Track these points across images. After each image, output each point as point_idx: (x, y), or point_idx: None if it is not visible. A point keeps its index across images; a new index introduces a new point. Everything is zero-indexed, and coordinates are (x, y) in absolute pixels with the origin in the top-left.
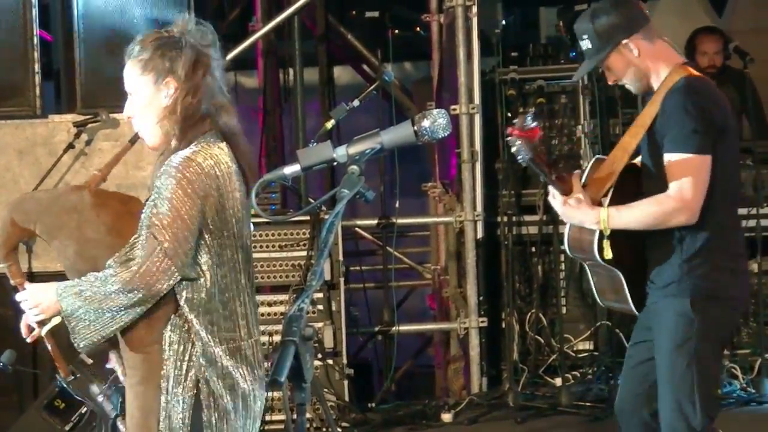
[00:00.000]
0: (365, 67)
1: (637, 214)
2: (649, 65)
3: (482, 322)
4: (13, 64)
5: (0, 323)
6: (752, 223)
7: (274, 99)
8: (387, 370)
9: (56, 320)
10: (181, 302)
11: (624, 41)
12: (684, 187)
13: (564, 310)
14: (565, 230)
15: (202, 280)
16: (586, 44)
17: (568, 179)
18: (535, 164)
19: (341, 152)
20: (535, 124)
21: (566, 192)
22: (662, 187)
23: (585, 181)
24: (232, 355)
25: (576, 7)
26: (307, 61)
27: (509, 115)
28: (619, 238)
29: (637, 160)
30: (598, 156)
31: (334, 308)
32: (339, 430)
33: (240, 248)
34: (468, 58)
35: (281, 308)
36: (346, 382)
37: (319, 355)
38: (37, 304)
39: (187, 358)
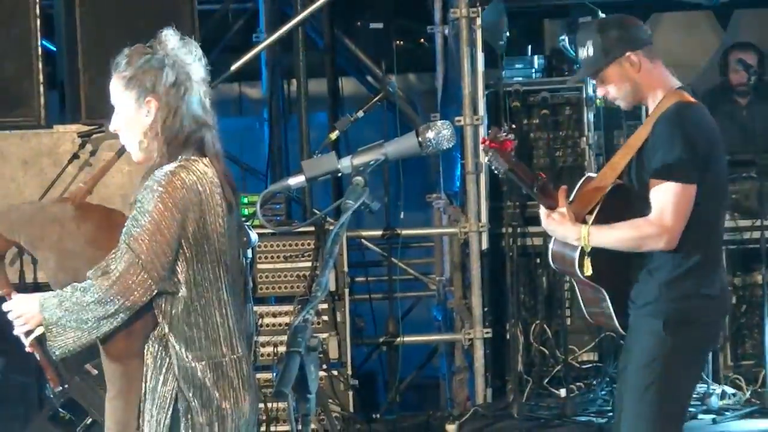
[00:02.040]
0: (370, 78)
1: (617, 235)
2: (646, 83)
3: (487, 333)
4: (18, 74)
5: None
6: (756, 234)
7: (279, 110)
8: (392, 380)
9: (40, 330)
10: (159, 317)
11: (627, 53)
12: (665, 214)
13: (569, 321)
14: (549, 244)
15: (180, 294)
16: (587, 52)
17: (553, 194)
18: (513, 175)
19: (346, 163)
20: (510, 136)
21: (550, 206)
22: (647, 208)
23: (573, 197)
24: (212, 371)
25: (580, 20)
26: (311, 73)
27: (514, 126)
28: (604, 257)
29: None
30: (588, 174)
31: (339, 319)
32: None
33: (223, 263)
34: (472, 70)
35: (286, 319)
36: (350, 393)
37: (324, 366)
38: (21, 315)
39: (163, 373)
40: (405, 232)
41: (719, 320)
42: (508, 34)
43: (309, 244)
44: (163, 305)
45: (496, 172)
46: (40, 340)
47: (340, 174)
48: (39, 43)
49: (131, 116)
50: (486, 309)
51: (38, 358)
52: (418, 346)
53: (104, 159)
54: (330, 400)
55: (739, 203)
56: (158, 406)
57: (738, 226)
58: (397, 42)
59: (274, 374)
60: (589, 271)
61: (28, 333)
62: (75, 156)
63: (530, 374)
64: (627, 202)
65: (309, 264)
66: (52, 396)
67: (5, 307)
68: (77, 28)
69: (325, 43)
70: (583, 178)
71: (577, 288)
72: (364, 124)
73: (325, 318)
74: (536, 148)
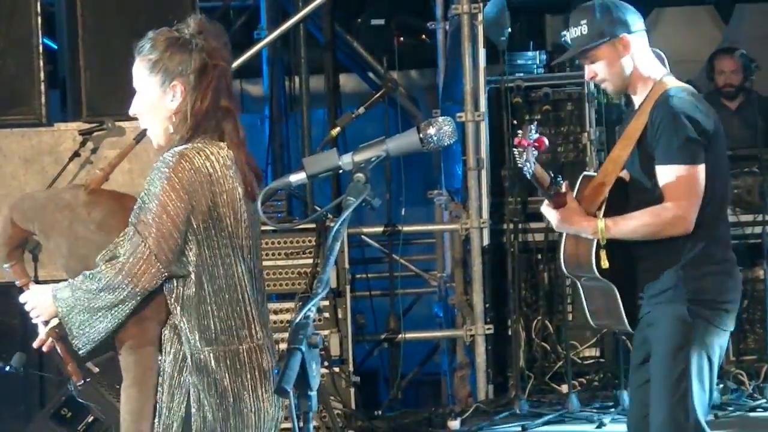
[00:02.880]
0: (371, 74)
1: (634, 225)
2: (636, 69)
3: (488, 329)
4: (19, 72)
5: (6, 332)
6: (758, 229)
7: (280, 107)
8: (393, 377)
9: (55, 321)
10: (171, 303)
11: (622, 35)
12: (680, 199)
13: (570, 317)
14: (561, 246)
15: (191, 278)
16: (579, 30)
17: (563, 195)
18: (534, 178)
19: (347, 160)
20: (539, 135)
21: (561, 205)
22: (653, 198)
23: (576, 197)
24: (229, 361)
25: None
26: (312, 69)
27: (515, 122)
28: (617, 254)
29: (624, 173)
30: (585, 173)
31: (340, 316)
32: None
33: (238, 248)
34: (474, 66)
35: (287, 316)
36: (352, 390)
37: (326, 363)
38: (35, 306)
39: (177, 363)
40: (406, 228)
41: (737, 299)
42: (509, 29)
43: (310, 241)
44: (174, 290)
45: (525, 172)
46: (62, 335)
47: (341, 171)
48: (40, 41)
49: (155, 101)
50: (487, 305)
51: (59, 352)
52: (420, 342)
53: (105, 157)
54: (331, 397)
55: (741, 198)
56: (171, 396)
57: (740, 221)
58: (399, 38)
59: (276, 371)
60: (606, 263)
61: (45, 323)
62: (76, 154)
63: (532, 370)
64: (631, 194)
65: (310, 261)
66: (73, 390)
67: (21, 298)
68: (78, 25)
69: (326, 39)
70: (581, 177)
71: (583, 294)
72: (366, 120)
73: (327, 315)
74: None
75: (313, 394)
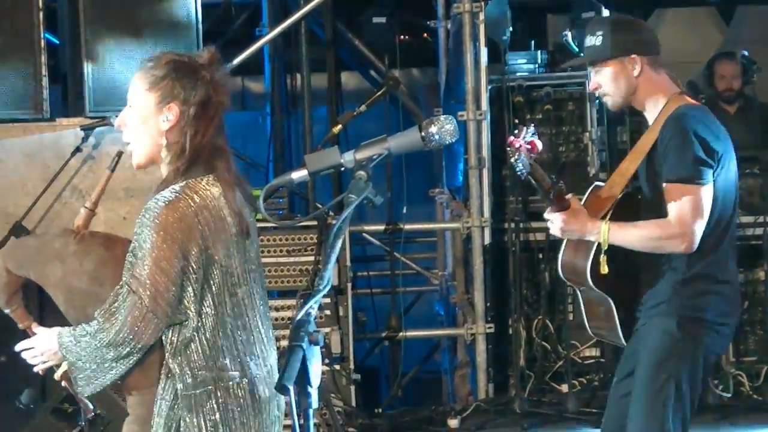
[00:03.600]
0: (372, 72)
1: (638, 234)
2: (643, 89)
3: (489, 328)
4: (21, 67)
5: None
6: (759, 231)
7: (281, 104)
8: (394, 375)
9: (65, 366)
10: (165, 344)
11: (633, 56)
12: (686, 216)
13: (571, 317)
14: (559, 254)
15: (187, 322)
16: (594, 41)
17: (566, 199)
18: (533, 178)
19: (348, 157)
20: (535, 137)
21: (563, 209)
22: (660, 213)
23: (583, 204)
24: (222, 395)
25: (583, 15)
26: (314, 67)
27: (516, 121)
28: (612, 267)
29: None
30: (596, 183)
31: (341, 313)
32: None
33: (231, 288)
34: (475, 65)
35: (288, 313)
36: (353, 388)
37: (327, 361)
38: (43, 353)
39: (169, 402)
40: (407, 226)
41: (732, 321)
42: (511, 28)
43: (311, 239)
44: (170, 335)
45: (517, 171)
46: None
47: (342, 168)
48: (42, 36)
49: (147, 116)
50: (488, 304)
51: (70, 390)
52: (421, 340)
53: (107, 152)
54: (332, 395)
55: (742, 199)
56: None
57: (741, 223)
58: (400, 36)
59: (276, 369)
60: (605, 269)
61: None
62: (78, 149)
63: (532, 369)
64: (637, 208)
65: (311, 258)
66: (83, 423)
67: (27, 343)
68: (80, 21)
69: (328, 37)
70: (591, 187)
71: (582, 303)
72: (367, 118)
73: (328, 312)
74: None
75: (314, 391)
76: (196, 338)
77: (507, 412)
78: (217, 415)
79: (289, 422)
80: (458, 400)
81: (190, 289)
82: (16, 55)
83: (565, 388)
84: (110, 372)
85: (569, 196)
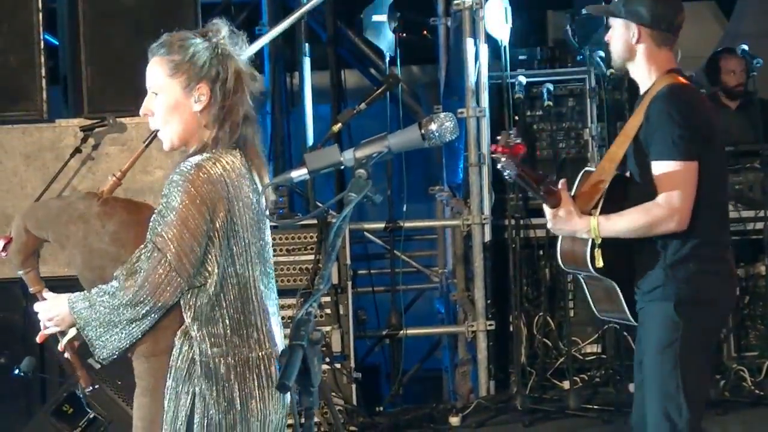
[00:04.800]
0: (372, 70)
1: (626, 222)
2: (640, 59)
3: (490, 325)
4: (20, 68)
5: (8, 328)
6: (760, 225)
7: (282, 103)
8: (395, 373)
9: (73, 331)
10: (185, 311)
11: (634, 24)
12: (672, 195)
13: (572, 313)
14: (557, 244)
15: (207, 288)
16: None
17: (556, 192)
18: (521, 180)
19: (348, 156)
20: (519, 140)
21: (555, 205)
22: (650, 194)
23: (574, 193)
24: (239, 369)
25: (584, 11)
26: (314, 65)
27: (516, 118)
28: (610, 248)
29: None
30: (586, 168)
31: (341, 312)
32: None
33: (251, 257)
34: (476, 62)
35: (289, 312)
36: (354, 386)
37: (327, 359)
38: (52, 317)
39: (185, 369)
40: (408, 224)
41: (728, 298)
42: (511, 25)
43: (311, 237)
44: (189, 300)
45: (507, 177)
46: (74, 344)
47: (342, 166)
48: (41, 37)
49: (176, 103)
50: (489, 301)
51: (69, 358)
52: (421, 338)
53: (106, 153)
54: (333, 393)
55: (743, 194)
56: (177, 401)
57: (741, 217)
58: (401, 34)
59: (277, 367)
60: (600, 262)
61: (61, 333)
62: (77, 150)
63: (533, 366)
64: (628, 191)
65: (312, 257)
66: (82, 396)
67: (36, 307)
68: (79, 21)
69: (328, 35)
70: (582, 173)
71: (586, 287)
72: (367, 116)
73: (328, 311)
74: (539, 140)
75: (315, 390)
76: (217, 307)
77: (508, 410)
78: (235, 387)
79: (290, 421)
80: (459, 398)
81: (212, 252)
82: (16, 55)
83: (566, 384)
84: (126, 334)
85: (561, 185)
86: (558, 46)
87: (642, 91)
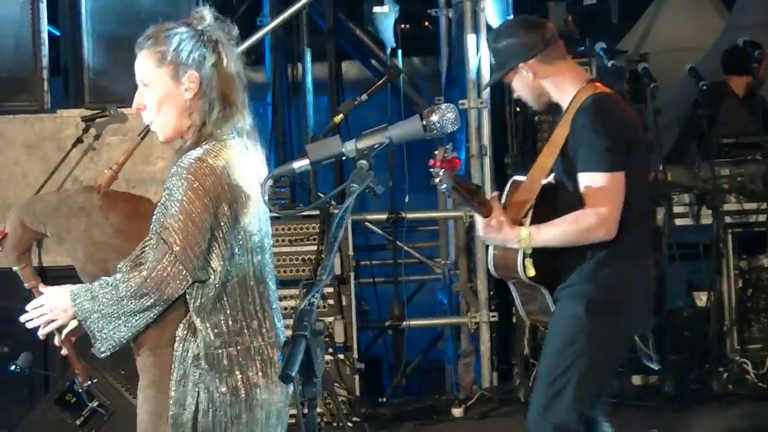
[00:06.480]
0: (373, 61)
1: (556, 232)
2: (549, 87)
3: (493, 316)
4: (21, 59)
5: (10, 318)
6: (762, 218)
7: (283, 94)
8: (397, 364)
9: (73, 324)
10: (188, 301)
11: (520, 65)
12: (600, 204)
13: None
14: (490, 251)
15: (211, 281)
16: (491, 59)
17: (488, 203)
18: (456, 192)
19: (350, 147)
20: (455, 154)
21: (487, 215)
22: (579, 204)
23: (504, 203)
24: (241, 358)
25: (584, 1)
26: (315, 56)
27: (518, 109)
28: (540, 256)
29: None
30: (515, 178)
31: (344, 303)
32: (349, 424)
33: (253, 249)
34: (477, 53)
35: (291, 303)
36: (356, 377)
37: (330, 350)
38: (52, 309)
39: (189, 361)
40: (410, 215)
41: (642, 308)
42: (512, 16)
43: (314, 228)
44: (194, 292)
45: (443, 190)
46: (72, 338)
47: (344, 158)
48: (43, 28)
49: (166, 93)
50: (492, 292)
51: (66, 353)
52: (424, 329)
53: (108, 143)
54: (336, 384)
55: (745, 186)
56: (183, 392)
57: (744, 209)
58: (402, 25)
59: (280, 358)
60: (532, 272)
61: (60, 327)
62: (78, 140)
63: (536, 358)
64: (558, 200)
65: (314, 248)
66: (80, 390)
67: (35, 302)
68: (81, 12)
69: (329, 26)
70: (510, 182)
71: (515, 291)
72: (368, 107)
73: (331, 302)
74: (540, 131)
75: (318, 380)
76: (219, 298)
77: (511, 401)
78: (239, 376)
79: (293, 411)
80: (462, 389)
81: (216, 246)
82: (17, 46)
83: None
84: (128, 326)
85: (493, 196)
86: (559, 36)
87: (564, 106)
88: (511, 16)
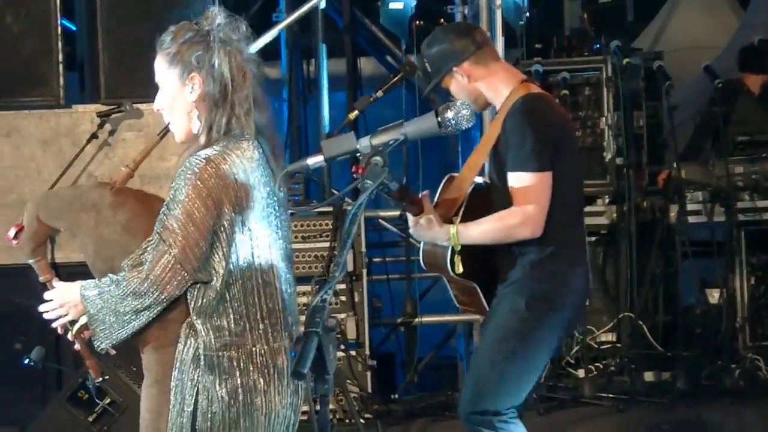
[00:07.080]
0: (389, 58)
1: (483, 230)
2: (484, 89)
3: None
4: (37, 54)
5: (24, 314)
6: None
7: (298, 90)
8: (410, 361)
9: (83, 319)
10: (190, 303)
11: (453, 69)
12: (526, 203)
13: (587, 302)
14: (420, 247)
15: (213, 283)
16: (428, 66)
17: (418, 200)
18: (383, 194)
19: (365, 143)
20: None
21: (417, 213)
22: (508, 202)
23: (437, 200)
24: (242, 363)
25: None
26: (330, 53)
27: None
28: (469, 253)
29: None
30: (450, 174)
31: (356, 299)
32: (362, 421)
33: (261, 251)
34: None
35: (304, 299)
36: (368, 374)
37: (342, 347)
38: (63, 304)
39: (190, 362)
40: None
41: (580, 305)
42: (527, 14)
43: (327, 225)
44: (195, 293)
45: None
46: (83, 333)
47: (359, 154)
48: (58, 23)
49: (174, 94)
50: None
51: (78, 348)
52: (436, 326)
53: (123, 139)
54: (348, 381)
55: (759, 184)
56: (183, 394)
57: (757, 207)
58: (417, 22)
59: (292, 355)
60: (460, 269)
61: (72, 322)
62: (94, 136)
63: None
64: (489, 199)
65: (327, 244)
66: (91, 386)
67: (47, 295)
68: (97, 7)
69: (345, 22)
70: (445, 178)
71: (448, 285)
72: (384, 104)
73: (343, 298)
74: None
75: (330, 377)
76: (222, 300)
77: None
78: (238, 380)
79: (305, 408)
80: None
81: (219, 248)
82: (33, 41)
83: (581, 373)
84: (130, 324)
85: (423, 194)
86: (574, 34)
87: (498, 106)
88: (527, 14)
